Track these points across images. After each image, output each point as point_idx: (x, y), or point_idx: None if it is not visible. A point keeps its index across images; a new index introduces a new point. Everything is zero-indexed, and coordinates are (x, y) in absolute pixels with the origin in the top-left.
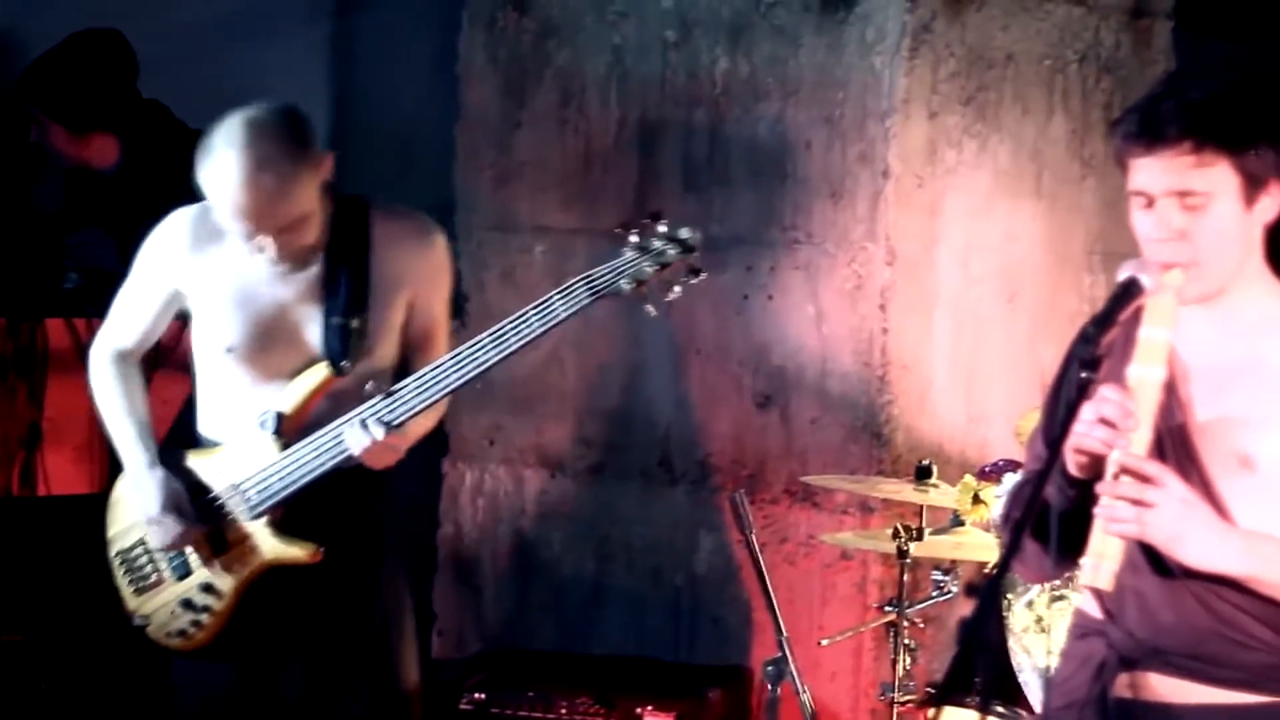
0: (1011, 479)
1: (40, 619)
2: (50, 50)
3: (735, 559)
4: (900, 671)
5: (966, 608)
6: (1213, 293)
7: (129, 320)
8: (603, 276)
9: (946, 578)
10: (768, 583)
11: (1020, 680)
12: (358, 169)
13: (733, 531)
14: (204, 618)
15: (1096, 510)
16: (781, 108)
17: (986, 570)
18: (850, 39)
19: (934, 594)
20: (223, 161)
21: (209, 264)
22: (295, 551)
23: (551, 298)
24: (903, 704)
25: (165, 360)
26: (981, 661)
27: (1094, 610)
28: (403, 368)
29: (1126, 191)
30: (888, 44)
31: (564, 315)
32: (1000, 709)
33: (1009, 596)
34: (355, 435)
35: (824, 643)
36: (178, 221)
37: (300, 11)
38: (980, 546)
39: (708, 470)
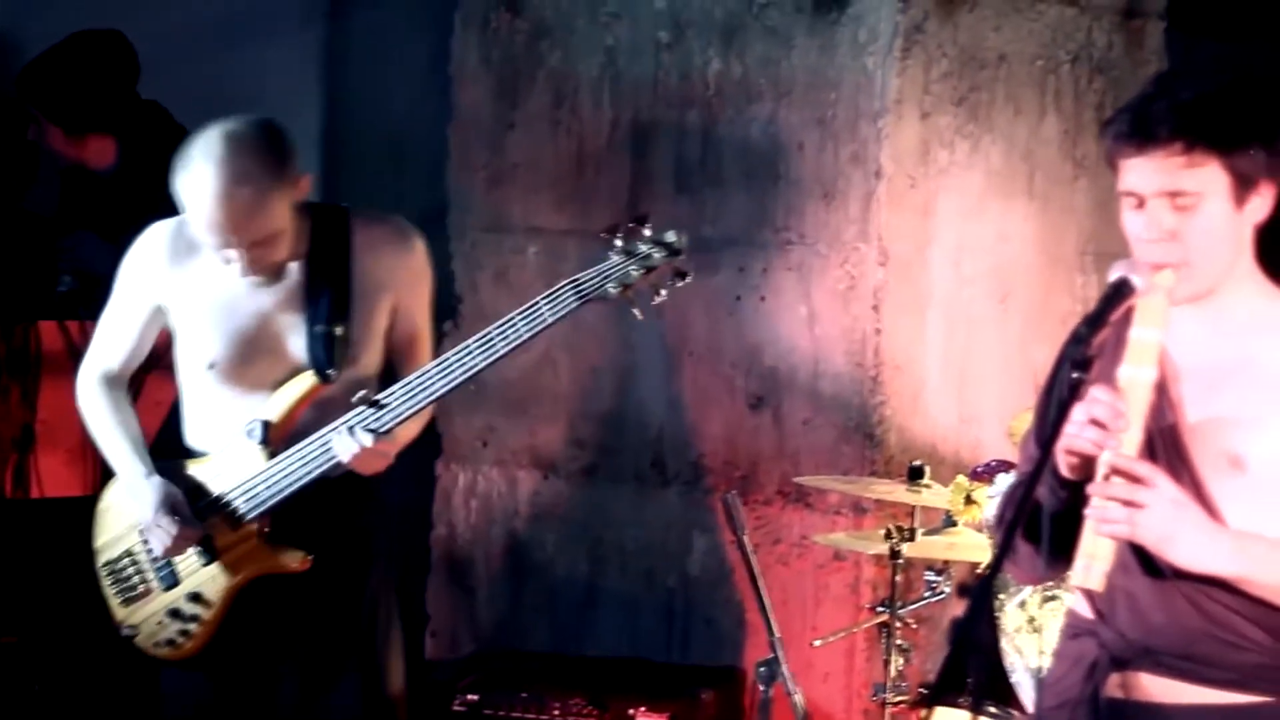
0: (1004, 480)
1: (34, 621)
2: (49, 49)
3: (728, 560)
4: (893, 672)
5: (959, 608)
6: (1203, 293)
7: (114, 341)
8: (589, 281)
9: (939, 578)
10: (760, 584)
11: (1012, 680)
12: (351, 170)
13: (725, 532)
14: (192, 627)
15: (1087, 511)
16: (774, 108)
17: (979, 571)
18: (842, 40)
19: (927, 594)
20: (199, 174)
21: (188, 277)
22: (284, 560)
23: (538, 303)
24: (895, 705)
25: (157, 363)
26: (974, 662)
27: (1085, 610)
28: (388, 373)
29: (1117, 192)
30: (880, 45)
31: (551, 320)
32: (993, 709)
33: (1001, 597)
34: (343, 442)
35: (817, 643)
36: (155, 236)
37: (294, 13)
38: (973, 547)
39: (700, 471)
